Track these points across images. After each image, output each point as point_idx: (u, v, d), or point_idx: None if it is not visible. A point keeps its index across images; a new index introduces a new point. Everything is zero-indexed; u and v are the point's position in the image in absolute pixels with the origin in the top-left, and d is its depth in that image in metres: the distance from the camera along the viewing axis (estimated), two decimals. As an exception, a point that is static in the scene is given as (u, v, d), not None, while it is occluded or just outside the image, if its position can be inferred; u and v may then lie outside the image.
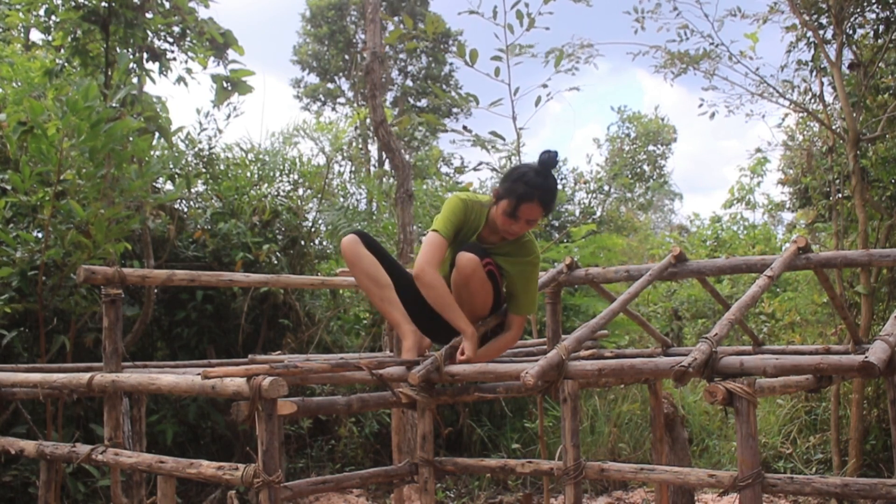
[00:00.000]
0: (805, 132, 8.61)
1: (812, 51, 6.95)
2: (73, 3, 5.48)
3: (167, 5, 5.74)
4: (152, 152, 5.57)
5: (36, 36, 7.48)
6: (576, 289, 8.69)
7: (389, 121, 7.07)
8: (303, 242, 7.85)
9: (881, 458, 6.57)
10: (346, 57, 20.53)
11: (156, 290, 6.32)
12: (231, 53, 5.98)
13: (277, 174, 8.27)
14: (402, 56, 21.02)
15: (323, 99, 21.30)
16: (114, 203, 4.75)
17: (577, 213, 14.63)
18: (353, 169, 11.33)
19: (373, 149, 17.05)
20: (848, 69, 6.81)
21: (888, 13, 6.62)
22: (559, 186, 15.09)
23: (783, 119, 9.60)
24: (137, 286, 6.07)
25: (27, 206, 5.09)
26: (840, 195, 7.04)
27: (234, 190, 7.61)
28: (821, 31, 6.71)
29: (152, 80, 5.72)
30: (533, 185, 3.38)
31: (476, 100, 5.70)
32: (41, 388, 3.56)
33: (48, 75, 5.72)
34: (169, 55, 5.86)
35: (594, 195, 16.03)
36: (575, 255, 8.68)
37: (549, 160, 3.43)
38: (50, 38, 5.85)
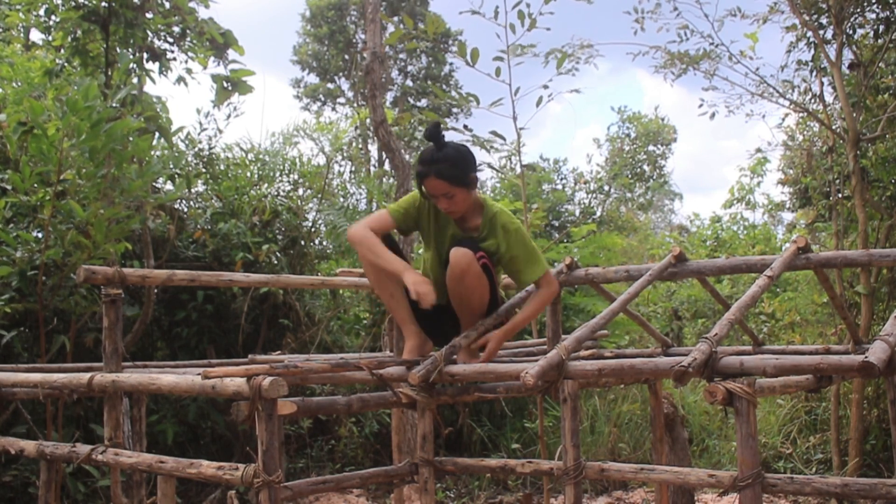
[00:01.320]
0: (805, 132, 8.61)
1: (812, 51, 6.95)
2: (73, 3, 5.48)
3: (167, 5, 5.74)
4: (152, 152, 5.57)
5: (36, 36, 7.49)
6: (576, 289, 8.69)
7: (389, 121, 7.07)
8: (303, 242, 7.85)
9: (881, 458, 6.57)
10: (346, 57, 20.53)
11: (156, 290, 6.32)
12: (231, 53, 5.98)
13: (277, 174, 8.27)
14: (402, 56, 21.02)
15: (323, 99, 21.30)
16: (114, 203, 4.75)
17: (578, 213, 14.64)
18: (353, 169, 11.34)
19: (373, 149, 17.06)
20: (848, 69, 6.80)
21: (888, 13, 6.62)
22: (562, 185, 15.14)
23: (783, 119, 9.62)
24: (137, 286, 6.06)
25: (27, 206, 5.09)
26: (840, 195, 7.04)
27: (234, 190, 7.61)
28: (821, 31, 6.70)
29: (152, 80, 5.72)
30: (424, 161, 3.40)
31: (477, 99, 5.68)
32: (41, 388, 3.56)
33: (48, 75, 5.72)
34: (169, 55, 5.86)
35: (594, 195, 16.05)
36: (575, 254, 8.68)
37: (429, 133, 3.42)
38: (50, 38, 5.85)
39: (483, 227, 3.51)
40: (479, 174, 3.53)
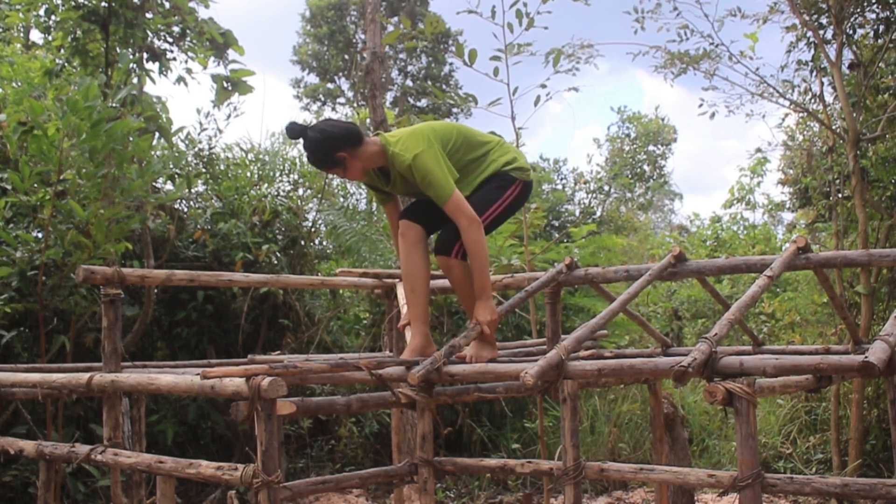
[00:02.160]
0: (805, 132, 8.60)
1: (812, 51, 6.95)
2: (73, 3, 5.49)
3: (167, 5, 5.74)
4: (152, 152, 5.57)
5: (36, 36, 7.49)
6: (576, 289, 8.68)
7: (389, 121, 7.08)
8: (303, 242, 7.85)
9: (881, 458, 6.57)
10: (346, 57, 20.53)
11: (156, 290, 6.32)
12: (231, 53, 5.98)
13: (277, 174, 8.27)
14: (402, 56, 21.01)
15: (323, 99, 21.30)
16: (114, 203, 4.75)
17: (577, 213, 14.65)
18: (354, 169, 11.31)
19: (373, 149, 17.02)
20: (848, 69, 6.80)
21: (888, 13, 6.62)
22: (562, 185, 15.11)
23: (783, 119, 9.63)
24: (137, 286, 6.06)
25: (27, 206, 5.09)
26: (840, 195, 7.03)
27: (234, 190, 7.61)
28: (821, 31, 6.70)
29: (152, 80, 5.73)
30: None
31: (475, 100, 5.68)
32: (41, 388, 3.56)
33: (48, 75, 5.72)
34: (169, 55, 5.86)
35: (594, 195, 16.08)
36: (575, 255, 8.68)
37: (288, 133, 3.55)
38: (50, 38, 5.86)
39: (393, 172, 3.60)
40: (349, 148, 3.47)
